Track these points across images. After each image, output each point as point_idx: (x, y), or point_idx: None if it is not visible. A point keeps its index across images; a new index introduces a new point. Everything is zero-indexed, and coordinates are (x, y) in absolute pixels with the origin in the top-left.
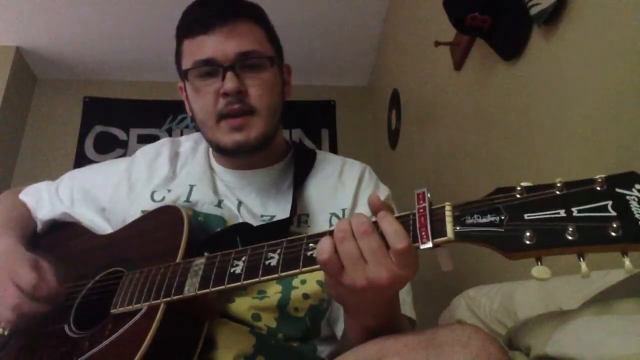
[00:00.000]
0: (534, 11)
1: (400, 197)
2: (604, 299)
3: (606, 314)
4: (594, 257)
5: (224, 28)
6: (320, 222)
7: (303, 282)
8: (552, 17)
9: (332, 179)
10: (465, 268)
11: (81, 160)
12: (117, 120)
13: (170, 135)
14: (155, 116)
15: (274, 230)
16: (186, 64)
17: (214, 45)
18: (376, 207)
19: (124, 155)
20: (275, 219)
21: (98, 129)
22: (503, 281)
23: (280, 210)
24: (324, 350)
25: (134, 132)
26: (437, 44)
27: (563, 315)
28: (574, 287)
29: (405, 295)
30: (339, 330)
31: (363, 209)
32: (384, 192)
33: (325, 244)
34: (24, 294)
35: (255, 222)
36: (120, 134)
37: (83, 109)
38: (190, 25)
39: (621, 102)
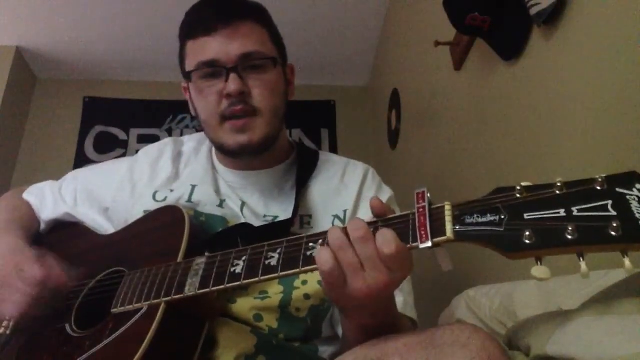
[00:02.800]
0: (534, 11)
1: (401, 197)
2: (604, 299)
3: (606, 314)
4: (594, 257)
5: (226, 29)
6: (322, 224)
7: (304, 282)
8: (552, 17)
9: (335, 180)
10: (465, 268)
11: (81, 160)
12: (117, 120)
13: (170, 135)
14: (155, 116)
15: (275, 231)
16: (190, 65)
17: (217, 46)
18: (378, 211)
19: (124, 155)
20: (278, 220)
21: (98, 129)
22: (503, 281)
23: (283, 211)
24: (325, 350)
25: (134, 132)
26: (437, 44)
27: (563, 315)
28: (573, 287)
29: (406, 296)
30: (341, 330)
31: (365, 210)
32: (386, 194)
33: (325, 255)
34: (32, 289)
35: (258, 223)
36: (120, 134)
37: (83, 109)
38: (193, 27)
39: (621, 102)
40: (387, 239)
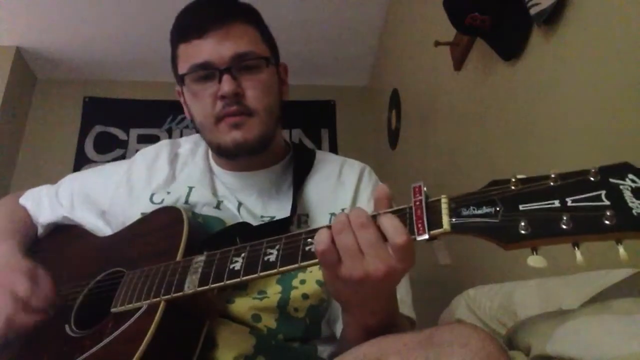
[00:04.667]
0: (534, 11)
1: (400, 197)
2: (603, 299)
3: (606, 313)
4: (594, 257)
5: (218, 31)
6: (320, 222)
7: (303, 282)
8: (552, 17)
9: (332, 179)
10: (465, 267)
11: (81, 161)
12: (117, 120)
13: (170, 135)
14: (155, 116)
15: (273, 230)
16: (182, 68)
17: (209, 48)
18: (382, 198)
19: (124, 155)
20: (275, 220)
21: (98, 129)
22: (503, 281)
23: (280, 211)
24: (324, 350)
25: (134, 132)
26: (437, 44)
27: (563, 315)
28: (573, 287)
29: (404, 296)
30: (338, 330)
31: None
32: None
33: (322, 235)
34: (18, 305)
35: (255, 223)
36: (120, 134)
37: (83, 109)
38: (185, 30)
39: (620, 102)
40: (400, 230)
